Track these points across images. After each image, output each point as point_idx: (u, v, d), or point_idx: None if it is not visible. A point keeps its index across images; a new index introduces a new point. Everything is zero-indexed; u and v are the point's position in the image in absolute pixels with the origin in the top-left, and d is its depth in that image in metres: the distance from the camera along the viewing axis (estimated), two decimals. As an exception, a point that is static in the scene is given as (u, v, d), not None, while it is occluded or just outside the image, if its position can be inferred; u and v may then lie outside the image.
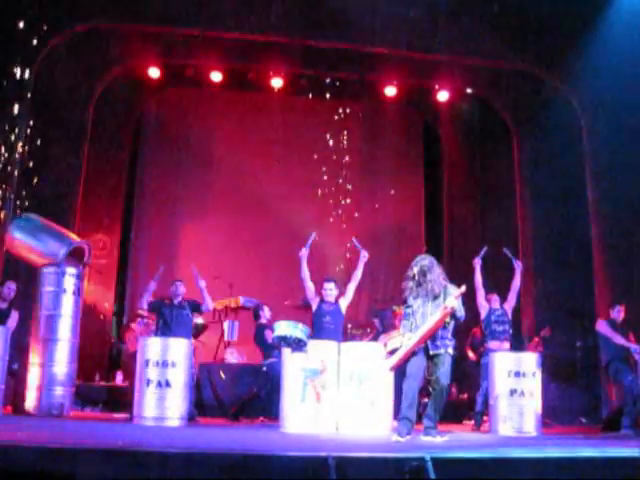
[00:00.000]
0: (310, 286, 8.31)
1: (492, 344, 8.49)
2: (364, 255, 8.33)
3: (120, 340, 11.11)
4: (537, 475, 4.21)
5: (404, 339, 6.36)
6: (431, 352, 6.32)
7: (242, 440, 6.03)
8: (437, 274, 6.42)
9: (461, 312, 6.37)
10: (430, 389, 6.50)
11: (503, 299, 8.73)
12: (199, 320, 10.31)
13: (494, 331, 8.55)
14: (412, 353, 6.29)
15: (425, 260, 6.50)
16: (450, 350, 6.41)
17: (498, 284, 9.16)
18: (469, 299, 9.05)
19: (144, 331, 9.74)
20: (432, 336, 6.28)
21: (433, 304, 6.33)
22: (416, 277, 6.43)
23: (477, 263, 8.60)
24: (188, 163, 13.30)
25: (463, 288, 6.32)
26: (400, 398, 6.40)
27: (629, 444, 6.37)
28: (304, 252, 8.30)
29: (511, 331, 8.70)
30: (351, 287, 8.34)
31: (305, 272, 8.29)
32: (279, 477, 3.90)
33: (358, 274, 8.34)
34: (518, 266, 8.78)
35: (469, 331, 10.35)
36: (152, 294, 8.74)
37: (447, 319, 6.28)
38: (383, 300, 11.72)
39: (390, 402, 7.44)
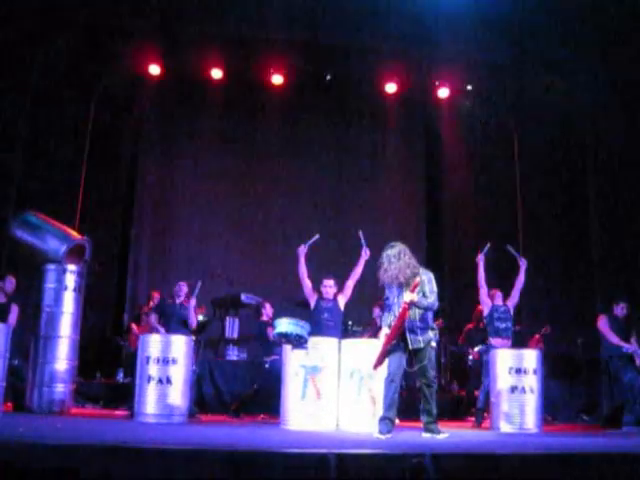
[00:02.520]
0: (307, 283, 8.31)
1: (494, 341, 8.46)
2: (366, 253, 8.30)
3: (122, 338, 11.12)
4: (538, 472, 4.22)
5: (381, 335, 6.35)
6: (411, 347, 6.25)
7: (243, 437, 6.03)
8: (404, 262, 6.30)
9: (427, 301, 6.26)
10: (419, 385, 6.48)
11: (506, 296, 8.70)
12: (200, 317, 10.33)
13: (497, 328, 8.52)
14: (390, 350, 6.27)
15: (393, 249, 6.40)
16: (433, 343, 6.36)
17: (501, 281, 9.15)
18: (471, 296, 9.08)
19: (144, 330, 9.75)
20: (409, 328, 6.21)
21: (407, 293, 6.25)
22: (385, 264, 6.36)
23: (480, 260, 8.55)
24: (187, 160, 13.29)
25: (417, 279, 6.19)
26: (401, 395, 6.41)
27: (630, 441, 6.38)
28: (303, 249, 8.29)
29: (513, 328, 8.69)
30: (350, 284, 8.33)
31: (302, 269, 8.28)
32: (280, 474, 3.90)
33: (358, 271, 8.31)
34: (523, 263, 8.72)
35: (462, 328, 10.38)
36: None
37: (414, 311, 6.21)
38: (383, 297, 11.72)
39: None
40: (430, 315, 6.42)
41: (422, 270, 6.42)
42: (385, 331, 6.29)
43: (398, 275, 6.27)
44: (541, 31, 10.72)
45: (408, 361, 6.34)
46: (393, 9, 10.42)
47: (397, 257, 6.32)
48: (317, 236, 8.39)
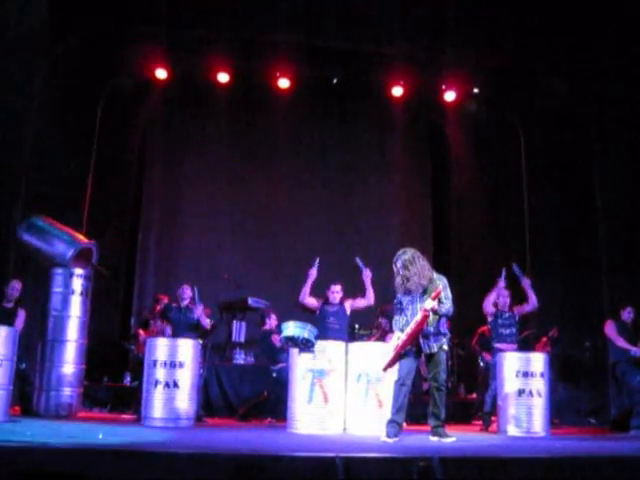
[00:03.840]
0: (309, 301, 8.35)
1: (499, 346, 8.45)
2: (367, 275, 8.31)
3: (129, 342, 11.13)
4: (546, 476, 4.20)
5: (394, 338, 6.34)
6: (425, 352, 6.28)
7: (250, 441, 6.03)
8: (420, 266, 6.31)
9: (445, 308, 6.27)
10: (430, 388, 6.48)
11: (514, 303, 8.65)
12: (207, 320, 10.31)
13: (500, 334, 8.52)
14: (402, 354, 6.27)
15: (406, 254, 6.38)
16: (445, 347, 6.38)
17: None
18: (478, 298, 9.05)
19: (151, 335, 9.76)
20: (423, 334, 6.23)
21: (422, 298, 6.25)
22: (400, 273, 6.35)
23: (501, 282, 8.50)
24: (195, 163, 13.31)
25: (440, 287, 6.22)
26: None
27: (638, 444, 6.35)
28: (313, 272, 8.34)
29: (519, 334, 8.65)
30: (362, 302, 8.39)
31: (307, 292, 8.32)
32: (287, 478, 3.90)
33: (370, 295, 8.32)
34: (527, 284, 8.59)
35: (476, 330, 10.33)
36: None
37: (430, 317, 6.21)
38: (390, 300, 11.69)
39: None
40: (444, 321, 6.42)
41: (436, 275, 6.43)
42: (397, 334, 6.29)
43: (421, 281, 6.28)
44: (547, 33, 10.72)
45: (420, 367, 6.36)
46: (399, 12, 10.42)
47: (412, 262, 6.32)
48: (317, 259, 8.44)
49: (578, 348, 10.91)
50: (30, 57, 9.88)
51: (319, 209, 13.28)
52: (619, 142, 10.73)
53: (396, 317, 6.46)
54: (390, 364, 6.35)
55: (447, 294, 6.35)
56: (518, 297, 8.72)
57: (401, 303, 6.41)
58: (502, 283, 8.51)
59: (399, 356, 6.27)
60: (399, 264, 6.36)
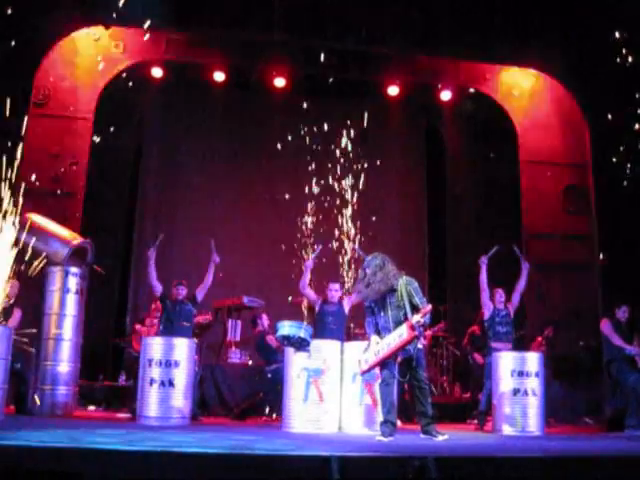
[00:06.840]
0: (309, 292, 8.34)
1: (495, 344, 8.44)
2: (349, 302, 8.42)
3: (124, 341, 11.11)
4: (540, 475, 4.21)
5: (372, 343, 6.30)
6: (401, 358, 6.25)
7: (245, 440, 6.02)
8: (389, 270, 6.29)
9: (424, 319, 6.13)
10: (413, 388, 6.44)
11: (507, 299, 8.67)
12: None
13: (497, 332, 8.51)
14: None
15: (377, 259, 6.38)
16: (420, 345, 6.35)
17: (504, 284, 9.11)
18: (473, 297, 9.06)
19: (149, 332, 9.74)
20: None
21: (391, 302, 6.23)
22: (368, 277, 6.32)
23: (483, 262, 8.43)
24: (190, 163, 13.30)
25: (429, 307, 6.15)
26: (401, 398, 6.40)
27: (633, 444, 6.36)
28: (310, 263, 8.32)
29: (515, 333, 8.66)
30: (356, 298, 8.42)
31: (306, 282, 8.29)
32: (282, 477, 3.90)
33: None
34: (525, 267, 8.65)
35: (464, 329, 10.35)
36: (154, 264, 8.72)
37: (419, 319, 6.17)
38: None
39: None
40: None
41: (407, 279, 6.36)
42: (375, 339, 6.27)
43: (380, 287, 6.25)
44: (544, 33, 10.74)
45: (400, 370, 6.32)
46: (395, 12, 10.43)
47: (382, 267, 6.31)
48: (320, 247, 8.43)
49: (573, 347, 10.92)
50: (26, 55, 9.86)
51: (314, 207, 13.26)
52: (614, 142, 10.75)
53: (368, 319, 6.44)
54: (369, 370, 6.37)
55: (421, 297, 6.28)
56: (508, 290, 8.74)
57: (371, 307, 6.41)
58: (484, 260, 8.44)
59: (379, 363, 6.26)
60: (369, 270, 6.33)
